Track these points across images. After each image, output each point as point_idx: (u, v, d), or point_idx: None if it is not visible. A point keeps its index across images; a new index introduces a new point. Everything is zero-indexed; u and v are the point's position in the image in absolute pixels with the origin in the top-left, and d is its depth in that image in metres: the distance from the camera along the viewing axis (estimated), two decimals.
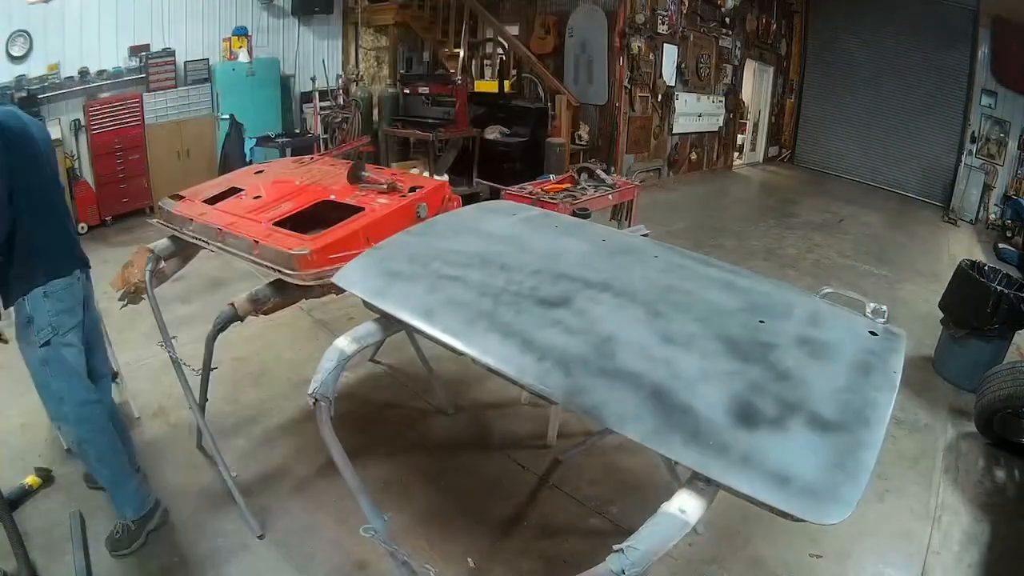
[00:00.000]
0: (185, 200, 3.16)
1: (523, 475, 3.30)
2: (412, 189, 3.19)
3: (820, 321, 1.90)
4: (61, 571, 2.59)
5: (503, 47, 9.98)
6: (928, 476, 3.51)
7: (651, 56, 10.23)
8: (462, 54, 9.62)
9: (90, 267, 2.78)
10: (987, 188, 10.53)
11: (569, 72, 10.07)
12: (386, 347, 4.27)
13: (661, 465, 3.17)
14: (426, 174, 6.02)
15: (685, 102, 11.31)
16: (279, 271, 2.68)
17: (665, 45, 10.45)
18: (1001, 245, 8.80)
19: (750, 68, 13.29)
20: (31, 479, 3.02)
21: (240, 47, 8.18)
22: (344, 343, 2.05)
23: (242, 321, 2.93)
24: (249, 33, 8.29)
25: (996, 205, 10.32)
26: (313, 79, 9.28)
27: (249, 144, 8.08)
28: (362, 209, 2.96)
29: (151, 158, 7.31)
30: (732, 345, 1.72)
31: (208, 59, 7.83)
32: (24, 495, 2.96)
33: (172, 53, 7.41)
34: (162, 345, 2.96)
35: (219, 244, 2.86)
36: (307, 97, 9.33)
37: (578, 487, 3.22)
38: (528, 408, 3.82)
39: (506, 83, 9.35)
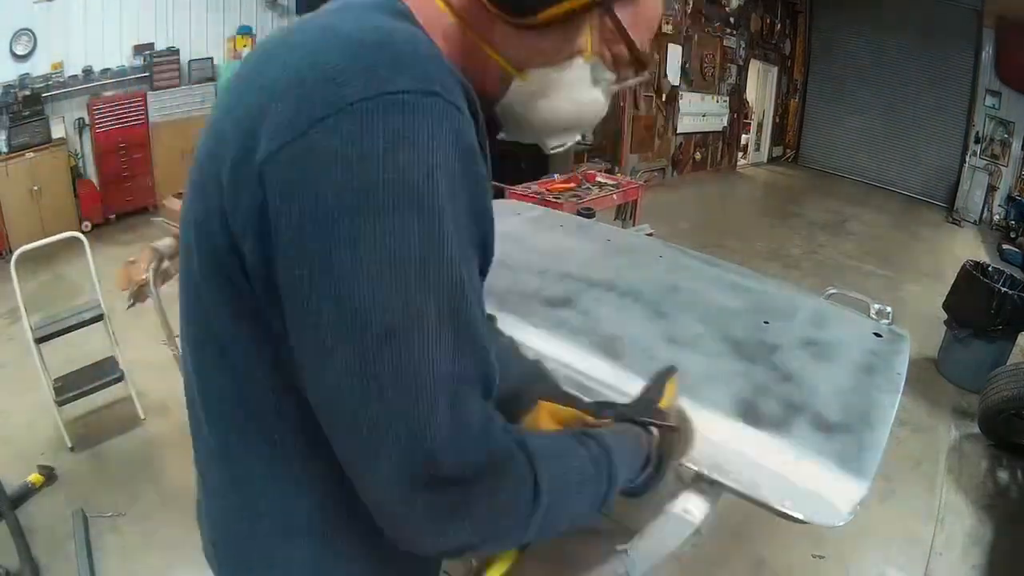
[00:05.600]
0: None
1: None
2: None
3: (824, 322, 1.90)
4: (63, 569, 2.59)
5: None
6: (931, 477, 3.51)
7: (655, 56, 10.21)
8: None
9: None
10: (991, 189, 10.50)
11: None
12: None
13: None
14: None
15: (689, 102, 11.28)
16: None
17: (669, 45, 10.42)
18: (1005, 246, 8.78)
19: (754, 68, 13.26)
20: (34, 477, 3.02)
21: (245, 46, 8.17)
22: None
23: None
24: (254, 32, 8.28)
25: (1000, 206, 10.30)
26: None
27: None
28: None
29: (155, 157, 7.30)
30: (736, 346, 1.72)
31: (212, 58, 7.83)
32: (27, 493, 2.97)
33: (176, 52, 7.40)
34: (166, 344, 2.97)
35: None
36: None
37: None
38: None
39: None
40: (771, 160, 14.63)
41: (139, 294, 2.98)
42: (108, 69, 6.89)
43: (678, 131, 11.25)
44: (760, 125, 14.29)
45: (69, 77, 6.62)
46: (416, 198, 0.59)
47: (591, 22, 0.74)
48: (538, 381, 1.16)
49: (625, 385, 1.59)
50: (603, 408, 1.09)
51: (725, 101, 12.40)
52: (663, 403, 1.07)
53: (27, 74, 6.28)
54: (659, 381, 1.11)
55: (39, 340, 3.30)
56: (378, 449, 0.62)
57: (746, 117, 13.45)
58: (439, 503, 0.63)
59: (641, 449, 0.96)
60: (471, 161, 0.66)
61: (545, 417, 1.09)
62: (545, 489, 0.70)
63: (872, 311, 1.96)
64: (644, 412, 1.03)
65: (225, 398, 0.80)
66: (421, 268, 0.60)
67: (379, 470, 0.63)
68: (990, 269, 4.77)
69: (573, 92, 0.79)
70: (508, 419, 0.86)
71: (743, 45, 12.49)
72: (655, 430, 0.99)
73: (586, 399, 1.14)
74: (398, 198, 0.59)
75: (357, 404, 0.62)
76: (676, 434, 1.03)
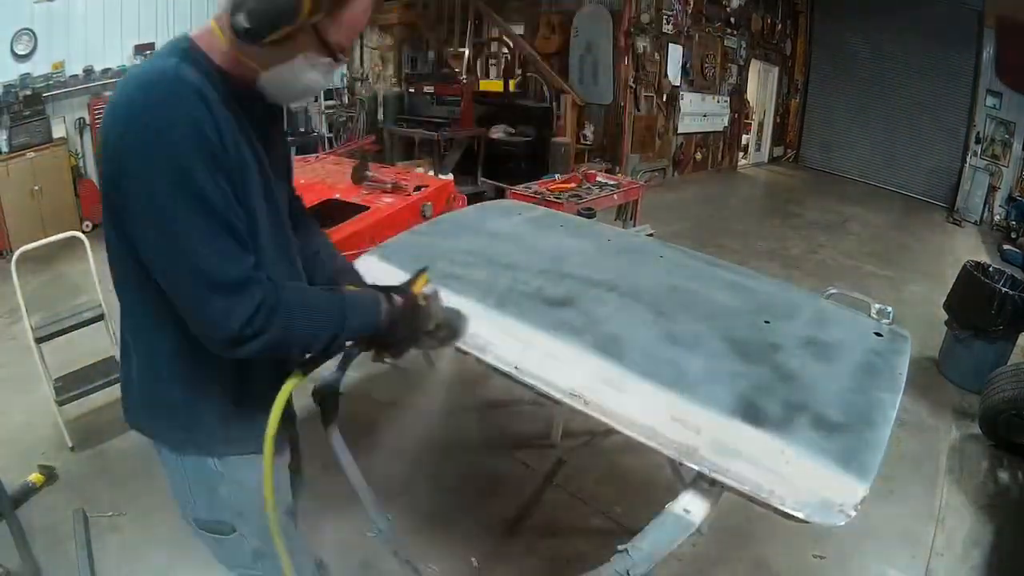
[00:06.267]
0: None
1: (527, 474, 3.30)
2: (417, 188, 3.20)
3: (825, 322, 1.90)
4: (64, 569, 2.59)
5: (508, 46, 9.97)
6: (932, 477, 3.51)
7: (656, 56, 10.21)
8: (467, 53, 9.60)
9: None
10: (992, 189, 10.49)
11: (574, 71, 10.05)
12: None
13: (666, 465, 3.16)
14: (431, 173, 6.03)
15: (690, 102, 11.29)
16: None
17: (670, 45, 10.43)
18: (1005, 246, 8.76)
19: (755, 68, 13.26)
20: (35, 476, 3.02)
21: None
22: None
23: None
24: None
25: (1001, 206, 10.28)
26: None
27: None
28: (367, 208, 2.96)
29: None
30: (737, 346, 1.72)
31: None
32: (28, 492, 2.97)
33: None
34: None
35: None
36: None
37: (582, 487, 3.21)
38: (532, 407, 3.81)
39: (511, 82, 9.34)
40: (772, 160, 14.63)
41: None
42: (109, 69, 6.89)
43: (679, 131, 11.26)
44: (761, 125, 14.29)
45: (70, 77, 6.62)
46: (174, 151, 1.09)
47: (303, 35, 1.18)
48: (347, 273, 1.66)
49: (626, 383, 1.59)
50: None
51: (726, 101, 12.40)
52: (415, 288, 1.49)
53: (28, 74, 6.29)
54: (414, 275, 1.54)
55: (40, 340, 3.30)
56: (182, 277, 1.15)
57: (747, 117, 13.45)
58: (218, 304, 1.14)
59: (377, 305, 1.39)
60: (209, 131, 1.13)
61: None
62: (283, 299, 1.20)
63: (873, 311, 1.96)
64: (395, 289, 1.47)
65: (119, 273, 1.31)
66: (181, 185, 1.10)
67: (185, 289, 1.16)
68: (991, 269, 4.77)
69: (298, 77, 1.25)
70: None
71: (744, 45, 12.49)
72: (397, 298, 1.43)
73: (378, 285, 1.53)
74: (166, 153, 1.09)
75: (167, 257, 1.15)
76: (418, 306, 1.46)
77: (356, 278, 1.64)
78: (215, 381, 1.37)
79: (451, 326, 1.57)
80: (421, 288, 1.52)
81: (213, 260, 1.13)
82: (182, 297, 1.17)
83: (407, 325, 1.44)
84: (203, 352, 1.22)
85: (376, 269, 2.16)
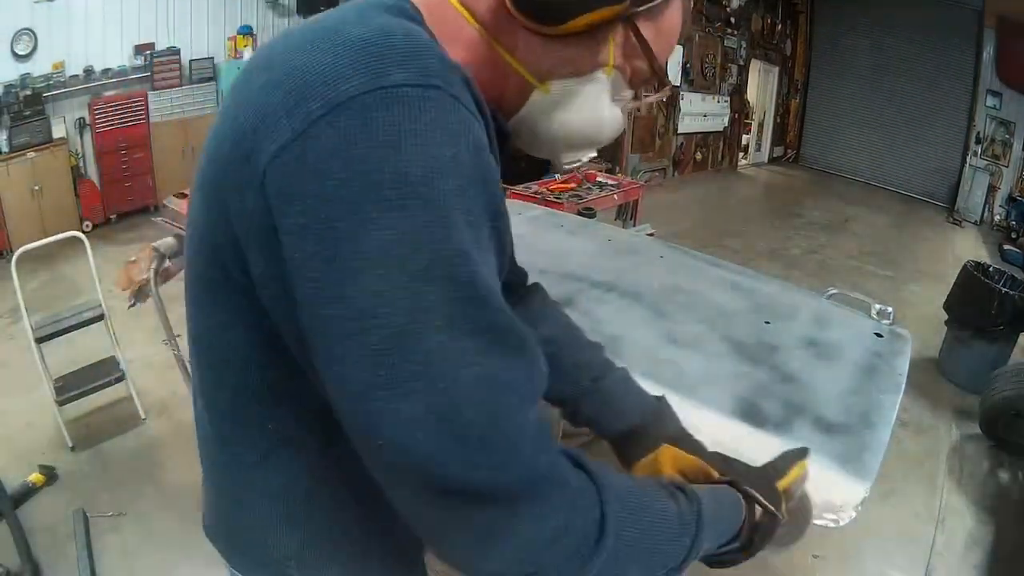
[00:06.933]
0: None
1: None
2: None
3: (826, 322, 1.90)
4: (64, 569, 2.59)
5: None
6: (932, 478, 3.50)
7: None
8: None
9: None
10: (992, 189, 10.50)
11: None
12: None
13: None
14: None
15: (690, 102, 11.28)
16: None
17: None
18: (1006, 246, 8.78)
19: (755, 68, 13.26)
20: (35, 477, 3.02)
21: (245, 46, 8.17)
22: None
23: None
24: (254, 32, 8.28)
25: (1001, 206, 10.30)
26: None
27: None
28: None
29: (156, 156, 7.30)
30: (737, 346, 1.72)
31: (213, 58, 7.83)
32: (28, 493, 2.97)
33: (177, 52, 7.41)
34: (167, 343, 2.97)
35: None
36: None
37: None
38: None
39: None
40: (772, 160, 14.62)
41: (140, 294, 2.98)
42: (109, 69, 6.89)
43: (679, 131, 11.25)
44: (761, 125, 14.29)
45: (70, 77, 6.61)
46: (421, 193, 0.55)
47: (615, 36, 0.73)
48: (661, 421, 1.06)
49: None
50: (727, 463, 1.01)
51: (726, 101, 12.40)
52: (782, 483, 0.98)
53: (28, 74, 6.28)
54: (787, 459, 1.02)
55: (40, 340, 3.30)
56: (402, 461, 0.57)
57: (747, 117, 13.45)
58: (478, 521, 0.57)
59: (736, 522, 0.87)
60: (480, 155, 0.61)
61: (667, 462, 1.01)
62: (612, 531, 0.63)
63: (873, 311, 1.96)
64: (759, 485, 0.93)
65: (218, 386, 0.79)
66: (430, 265, 0.55)
67: (406, 485, 0.59)
68: (991, 269, 4.77)
69: (593, 106, 0.77)
70: (624, 459, 1.05)
71: (744, 45, 12.49)
72: (758, 508, 0.90)
73: (708, 448, 1.05)
74: (401, 193, 0.54)
75: (373, 415, 0.56)
76: (776, 522, 0.92)
77: (668, 417, 1.09)
78: (355, 548, 0.83)
79: (798, 519, 1.06)
80: (791, 483, 1.02)
81: (468, 430, 0.56)
82: (394, 478, 0.60)
83: (763, 541, 0.91)
84: (334, 487, 0.77)
85: None
